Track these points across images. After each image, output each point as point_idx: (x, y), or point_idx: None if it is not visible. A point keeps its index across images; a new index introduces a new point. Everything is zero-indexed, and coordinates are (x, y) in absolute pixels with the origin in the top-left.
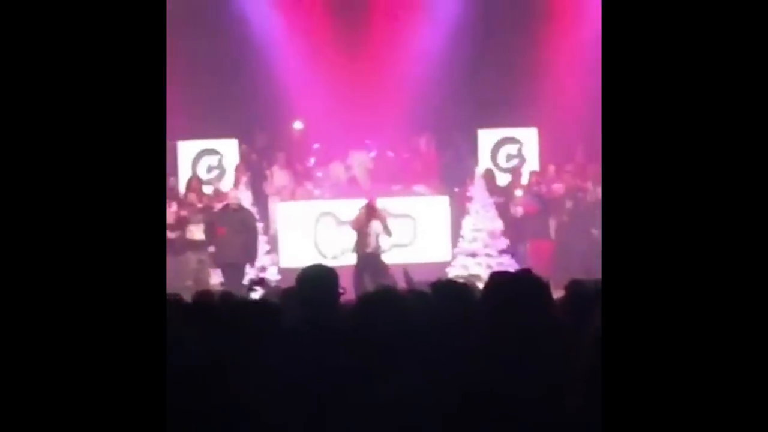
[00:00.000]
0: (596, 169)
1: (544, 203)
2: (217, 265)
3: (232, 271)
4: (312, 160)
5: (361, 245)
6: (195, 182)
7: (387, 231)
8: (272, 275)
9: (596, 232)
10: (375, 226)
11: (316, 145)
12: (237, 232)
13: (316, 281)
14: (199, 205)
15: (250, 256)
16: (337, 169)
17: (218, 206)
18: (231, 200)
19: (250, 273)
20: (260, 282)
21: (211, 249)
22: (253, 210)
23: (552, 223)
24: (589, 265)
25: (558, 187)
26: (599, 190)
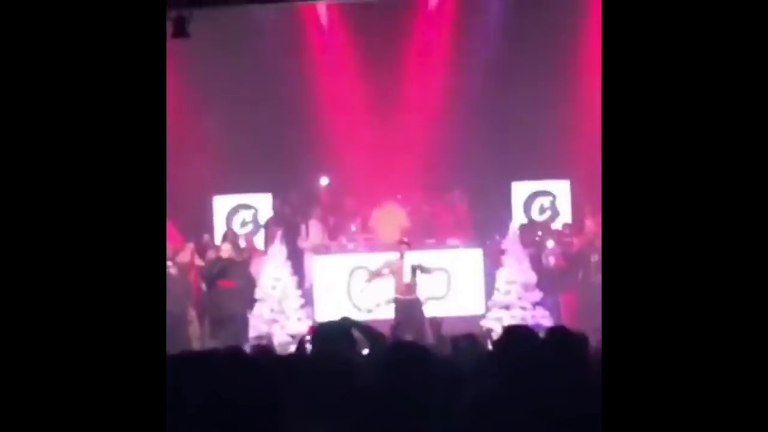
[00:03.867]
0: None
1: (574, 256)
2: (212, 319)
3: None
4: (345, 215)
5: (398, 288)
6: (230, 235)
7: (423, 268)
8: (306, 328)
9: None
10: (408, 260)
11: (351, 200)
12: (240, 284)
13: (332, 336)
14: (238, 259)
15: (250, 306)
16: (370, 224)
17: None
18: (223, 253)
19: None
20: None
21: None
22: (287, 264)
23: (581, 276)
24: None
25: (587, 240)
26: None
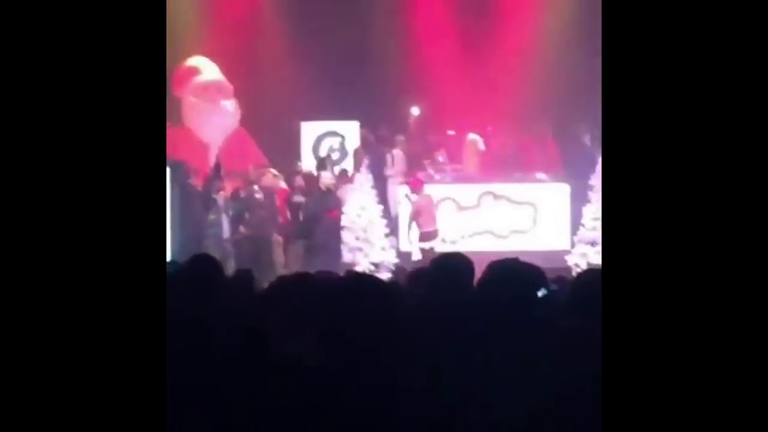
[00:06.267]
0: None
1: None
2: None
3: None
4: (433, 146)
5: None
6: (321, 163)
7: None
8: (391, 258)
9: None
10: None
11: (450, 131)
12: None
13: (454, 269)
14: (325, 187)
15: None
16: (457, 155)
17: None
18: (312, 180)
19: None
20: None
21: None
22: (373, 193)
23: None
24: None
25: None
26: None
